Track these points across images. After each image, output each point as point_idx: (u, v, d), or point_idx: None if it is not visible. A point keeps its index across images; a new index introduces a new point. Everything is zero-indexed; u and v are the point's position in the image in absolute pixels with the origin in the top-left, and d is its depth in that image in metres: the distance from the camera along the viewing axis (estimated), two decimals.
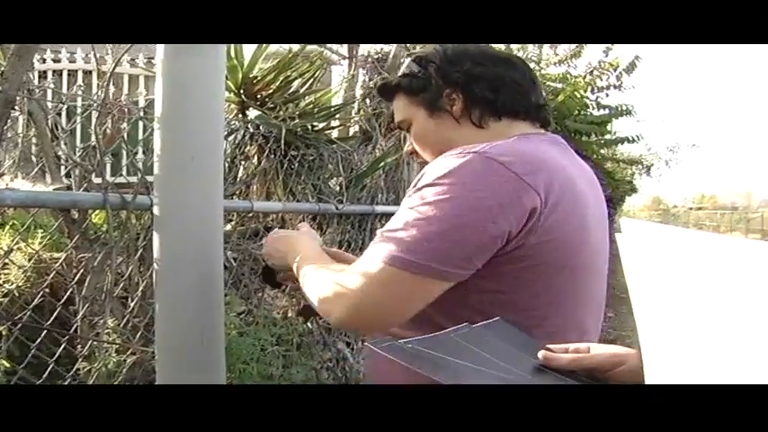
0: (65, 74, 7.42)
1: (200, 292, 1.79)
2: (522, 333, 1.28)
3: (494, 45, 1.70)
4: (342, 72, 6.10)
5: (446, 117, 1.56)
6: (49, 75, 7.21)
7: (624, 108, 11.23)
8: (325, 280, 1.40)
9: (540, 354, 1.16)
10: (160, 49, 1.78)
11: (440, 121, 1.57)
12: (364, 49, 5.61)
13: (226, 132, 3.58)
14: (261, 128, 3.54)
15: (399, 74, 1.67)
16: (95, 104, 2.13)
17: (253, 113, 3.74)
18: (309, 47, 5.31)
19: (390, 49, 5.28)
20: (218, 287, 1.86)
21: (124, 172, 3.98)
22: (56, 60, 7.51)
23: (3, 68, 1.85)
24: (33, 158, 2.45)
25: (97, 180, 2.28)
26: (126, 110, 2.89)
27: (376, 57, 5.17)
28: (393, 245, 1.27)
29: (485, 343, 1.16)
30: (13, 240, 2.67)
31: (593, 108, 11.09)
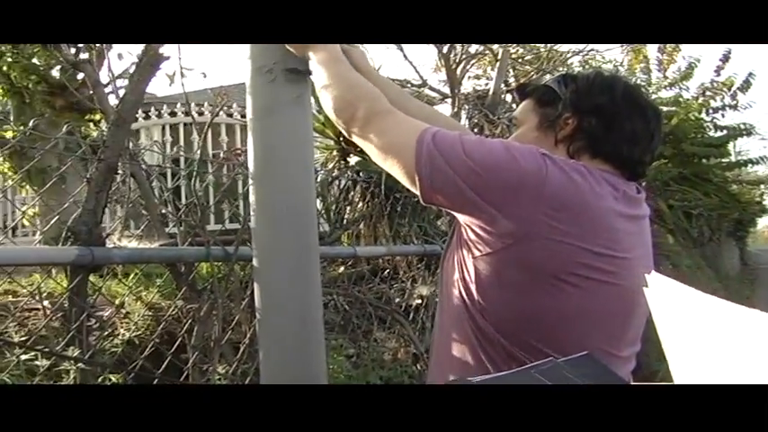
0: (167, 129, 7.79)
1: (301, 338, 1.85)
2: (610, 371, 1.27)
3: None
4: (445, 111, 6.15)
5: (549, 136, 1.58)
6: (156, 133, 7.58)
7: (743, 128, 10.84)
8: (372, 92, 1.59)
9: None
10: (249, 106, 1.87)
11: (542, 136, 1.60)
12: (466, 86, 5.64)
13: (329, 179, 3.67)
14: (362, 173, 3.62)
15: (543, 82, 1.72)
16: (195, 162, 2.24)
17: (354, 159, 3.83)
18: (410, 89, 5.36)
19: (490, 86, 5.30)
20: (317, 332, 1.91)
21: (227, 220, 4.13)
22: (158, 116, 7.89)
23: (104, 137, 1.98)
24: (140, 217, 2.59)
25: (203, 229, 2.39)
26: (230, 164, 3.01)
27: (476, 94, 5.20)
28: (439, 132, 1.44)
29: (564, 381, 1.15)
30: (134, 289, 2.82)
31: (710, 130, 10.76)
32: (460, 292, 1.51)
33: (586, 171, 1.43)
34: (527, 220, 1.36)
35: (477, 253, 1.45)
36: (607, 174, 1.49)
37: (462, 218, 1.47)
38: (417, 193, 1.44)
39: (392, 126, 1.51)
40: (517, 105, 1.81)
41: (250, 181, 1.90)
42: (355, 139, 1.56)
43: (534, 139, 1.59)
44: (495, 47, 7.62)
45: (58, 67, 5.61)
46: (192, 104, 7.44)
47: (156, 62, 2.10)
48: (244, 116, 7.48)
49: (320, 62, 1.68)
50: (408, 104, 1.85)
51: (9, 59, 5.49)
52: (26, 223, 6.66)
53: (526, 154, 1.39)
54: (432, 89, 6.94)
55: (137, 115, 7.24)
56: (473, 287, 1.47)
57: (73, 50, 3.95)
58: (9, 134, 5.68)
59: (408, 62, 7.29)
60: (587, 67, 10.04)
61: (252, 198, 1.90)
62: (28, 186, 6.00)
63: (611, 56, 10.17)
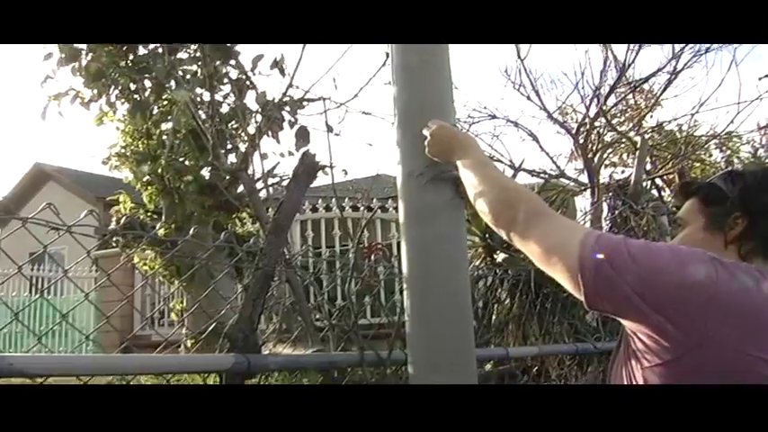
0: (308, 223, 7.99)
1: None
2: None
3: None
4: (584, 202, 6.03)
5: (718, 237, 1.50)
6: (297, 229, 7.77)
7: None
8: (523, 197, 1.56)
9: None
10: (401, 211, 1.89)
11: (711, 237, 1.51)
12: (603, 174, 5.52)
13: (475, 277, 3.64)
14: (509, 271, 3.58)
15: (708, 180, 1.65)
16: (347, 265, 2.26)
17: (501, 256, 3.80)
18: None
19: (628, 174, 5.18)
20: None
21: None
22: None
23: (261, 245, 2.03)
24: (293, 321, 2.61)
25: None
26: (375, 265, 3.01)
27: (617, 183, 5.08)
28: (602, 235, 1.41)
29: None
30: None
31: None
32: None
33: (760, 275, 1.35)
34: (698, 329, 1.28)
35: (646, 363, 1.38)
36: None
37: (629, 325, 1.40)
38: (581, 297, 1.38)
39: (554, 228, 1.48)
40: (674, 200, 1.75)
41: (404, 285, 1.89)
42: (515, 240, 1.54)
43: (701, 241, 1.52)
44: (632, 134, 7.49)
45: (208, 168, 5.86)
46: (332, 200, 7.67)
47: (312, 171, 2.14)
48: (381, 209, 7.59)
49: (468, 167, 1.69)
50: None
51: (162, 162, 5.77)
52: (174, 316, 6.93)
53: (694, 259, 1.33)
54: (569, 179, 6.85)
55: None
56: None
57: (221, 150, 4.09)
58: (161, 232, 5.93)
59: (545, 152, 7.27)
60: (725, 149, 9.70)
61: (406, 302, 1.89)
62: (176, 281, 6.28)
63: (748, 137, 9.75)
